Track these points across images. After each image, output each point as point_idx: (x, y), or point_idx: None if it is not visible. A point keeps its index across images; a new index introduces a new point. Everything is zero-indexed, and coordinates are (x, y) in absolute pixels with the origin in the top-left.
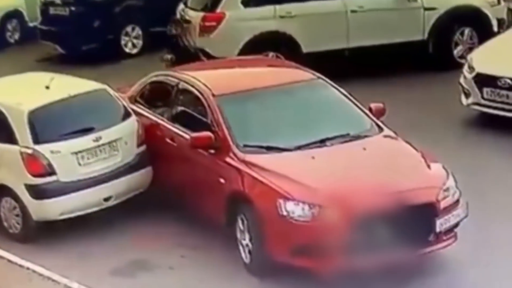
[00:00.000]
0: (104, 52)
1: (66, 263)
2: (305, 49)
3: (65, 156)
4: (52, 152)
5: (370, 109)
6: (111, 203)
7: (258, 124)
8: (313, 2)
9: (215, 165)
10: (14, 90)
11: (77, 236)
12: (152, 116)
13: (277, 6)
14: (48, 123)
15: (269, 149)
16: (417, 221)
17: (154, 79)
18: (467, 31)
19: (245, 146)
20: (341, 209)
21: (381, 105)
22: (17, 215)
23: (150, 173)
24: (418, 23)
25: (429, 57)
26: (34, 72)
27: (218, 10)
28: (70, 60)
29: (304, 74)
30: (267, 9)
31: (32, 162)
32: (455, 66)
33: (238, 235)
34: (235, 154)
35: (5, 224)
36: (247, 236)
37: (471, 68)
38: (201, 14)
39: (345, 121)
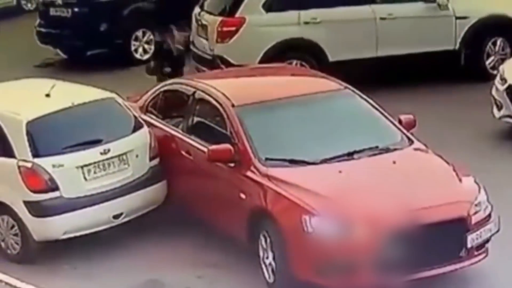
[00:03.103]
0: (112, 58)
1: (69, 286)
2: (331, 57)
3: (69, 170)
4: (54, 166)
5: (399, 121)
6: (121, 220)
7: (281, 136)
8: (340, 8)
9: (235, 179)
10: (11, 98)
11: (82, 255)
12: (166, 127)
13: (302, 12)
14: (49, 135)
15: (293, 162)
16: (448, 237)
17: (168, 87)
18: (499, 41)
19: (268, 159)
20: (370, 225)
21: (411, 116)
22: (15, 235)
23: (164, 188)
24: (450, 32)
25: (460, 67)
26: (33, 78)
27: (238, 14)
28: (74, 66)
29: (330, 84)
30: (291, 15)
31: (31, 177)
32: (487, 77)
33: (261, 253)
34: (256, 168)
35: (2, 244)
36: (270, 255)
37: (503, 80)
38: (219, 18)
39: (374, 133)
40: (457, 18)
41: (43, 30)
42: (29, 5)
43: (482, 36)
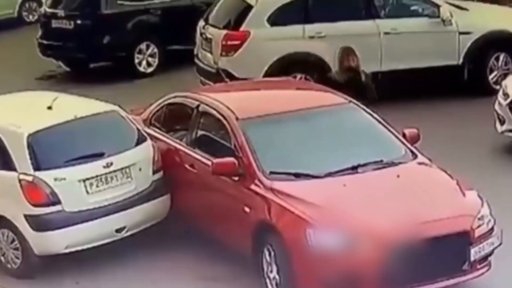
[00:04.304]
0: (115, 70)
1: None
2: None
3: (71, 183)
4: (55, 179)
5: (403, 135)
6: (124, 234)
7: (285, 150)
8: (344, 22)
9: (239, 193)
10: (12, 111)
11: (84, 269)
12: (169, 140)
13: (307, 26)
14: (51, 148)
15: (298, 176)
16: (451, 250)
17: (172, 100)
18: (502, 56)
19: (272, 173)
20: (374, 239)
21: (415, 131)
22: (16, 249)
23: (168, 202)
24: (453, 47)
25: (464, 82)
26: (35, 91)
27: (242, 28)
28: (77, 78)
29: (335, 98)
30: (296, 29)
31: (32, 190)
32: (490, 92)
33: (265, 267)
34: (261, 182)
35: (2, 259)
36: (274, 269)
37: (506, 95)
38: (224, 32)
39: (378, 147)
40: (460, 33)
41: (45, 42)
42: (30, 16)
43: (485, 51)
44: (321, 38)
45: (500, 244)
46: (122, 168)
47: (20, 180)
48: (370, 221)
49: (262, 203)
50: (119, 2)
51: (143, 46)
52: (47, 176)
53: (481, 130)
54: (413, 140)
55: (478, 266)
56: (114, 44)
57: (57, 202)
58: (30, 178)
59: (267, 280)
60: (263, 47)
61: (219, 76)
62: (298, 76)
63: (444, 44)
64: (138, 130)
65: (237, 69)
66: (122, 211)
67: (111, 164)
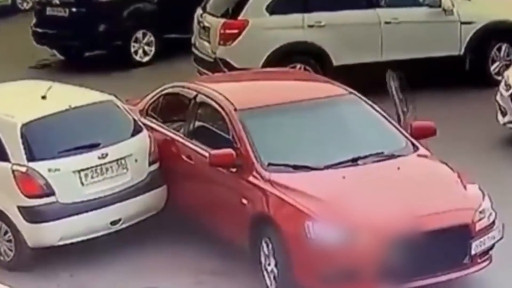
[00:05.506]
0: (111, 59)
1: None
2: (336, 61)
3: (65, 174)
4: (50, 170)
5: (411, 128)
6: (119, 226)
7: (284, 141)
8: (345, 11)
9: (237, 185)
10: (5, 101)
11: (78, 262)
12: (166, 131)
13: (306, 15)
14: (45, 138)
15: (297, 168)
16: (452, 244)
17: (169, 90)
18: (504, 47)
19: (270, 164)
20: (374, 231)
21: (429, 124)
22: (9, 241)
23: (164, 194)
24: (455, 37)
25: (465, 72)
26: (29, 80)
27: (240, 17)
28: (72, 67)
29: (334, 89)
30: (295, 18)
31: (26, 181)
32: (492, 82)
33: (263, 260)
34: (259, 173)
35: None
36: (272, 261)
37: (508, 86)
38: (222, 20)
39: (379, 139)
40: (462, 23)
41: (39, 30)
42: (24, 4)
43: (487, 42)
44: (320, 27)
45: (501, 238)
46: (117, 159)
47: (13, 171)
48: (370, 214)
49: (260, 195)
50: None
51: (139, 34)
52: (41, 167)
53: (483, 121)
54: (426, 134)
55: (479, 260)
56: (110, 32)
57: (51, 193)
58: (23, 169)
59: (265, 273)
60: (261, 36)
61: (217, 66)
62: (297, 66)
63: (446, 34)
64: (134, 120)
65: (236, 59)
66: (118, 203)
67: (106, 155)
